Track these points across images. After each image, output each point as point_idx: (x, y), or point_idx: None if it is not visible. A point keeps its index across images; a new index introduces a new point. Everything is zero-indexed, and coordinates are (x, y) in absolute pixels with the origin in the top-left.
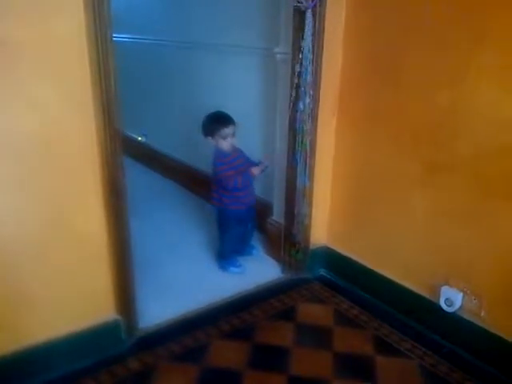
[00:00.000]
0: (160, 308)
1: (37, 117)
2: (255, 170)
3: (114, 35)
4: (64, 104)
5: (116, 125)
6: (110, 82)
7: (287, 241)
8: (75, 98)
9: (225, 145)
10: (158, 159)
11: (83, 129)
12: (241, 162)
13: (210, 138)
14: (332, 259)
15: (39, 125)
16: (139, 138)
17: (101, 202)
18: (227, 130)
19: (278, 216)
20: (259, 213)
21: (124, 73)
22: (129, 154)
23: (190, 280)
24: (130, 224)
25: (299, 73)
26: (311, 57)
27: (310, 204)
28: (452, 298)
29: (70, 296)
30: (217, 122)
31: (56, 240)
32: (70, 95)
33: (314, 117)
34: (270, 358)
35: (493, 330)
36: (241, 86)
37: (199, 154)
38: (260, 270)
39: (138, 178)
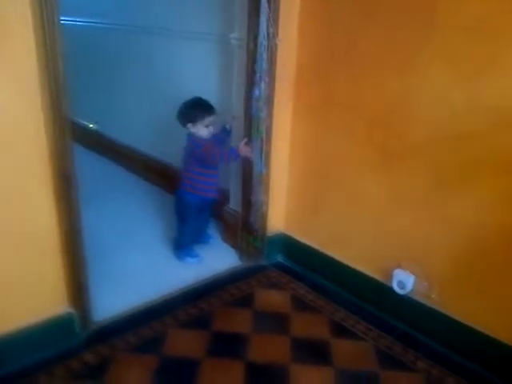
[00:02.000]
0: (115, 299)
1: None
2: (244, 150)
3: (64, 18)
4: (8, 90)
5: (64, 111)
6: (58, 67)
7: (244, 229)
8: (21, 84)
9: (205, 133)
10: (111, 147)
11: (30, 116)
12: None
13: (190, 125)
14: (289, 246)
15: None
16: (91, 126)
17: (50, 191)
18: (210, 119)
19: (234, 204)
20: (218, 199)
21: (76, 58)
22: (82, 143)
23: (145, 270)
24: (81, 214)
25: (254, 59)
26: (266, 43)
27: (267, 191)
28: (404, 281)
29: (20, 290)
30: (200, 109)
31: (4, 232)
32: (15, 80)
33: (269, 103)
34: (228, 345)
35: (443, 310)
36: (197, 72)
37: (155, 141)
38: (217, 258)
39: (91, 167)
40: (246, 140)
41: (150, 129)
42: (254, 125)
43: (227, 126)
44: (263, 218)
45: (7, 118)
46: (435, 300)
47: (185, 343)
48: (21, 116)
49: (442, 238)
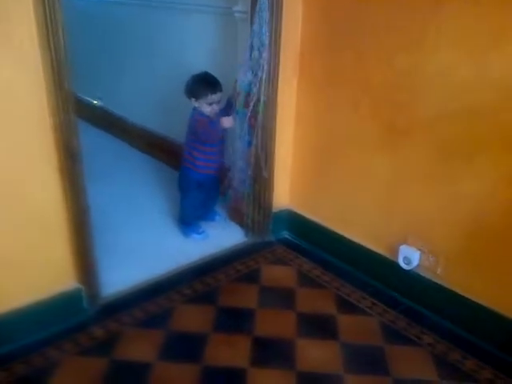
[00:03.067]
0: (122, 275)
1: None
2: (226, 121)
3: None
4: (10, 64)
5: (67, 85)
6: (60, 40)
7: (250, 205)
8: (23, 57)
9: (208, 110)
10: (115, 123)
11: (32, 90)
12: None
13: (193, 99)
14: (295, 222)
15: None
16: (94, 102)
17: (55, 167)
18: (214, 97)
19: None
20: (222, 178)
21: (77, 34)
22: (86, 119)
23: (152, 246)
24: (87, 189)
25: (258, 32)
26: (270, 16)
27: (272, 168)
28: (410, 257)
29: (28, 266)
30: (205, 86)
31: (8, 207)
32: (17, 54)
33: (273, 79)
34: (234, 320)
35: (448, 286)
36: (202, 46)
37: (160, 117)
38: (223, 234)
39: (96, 143)
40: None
41: (154, 105)
42: (255, 100)
43: (232, 100)
44: (269, 194)
45: (11, 94)
46: (441, 275)
47: (191, 318)
48: (24, 92)
49: (448, 214)
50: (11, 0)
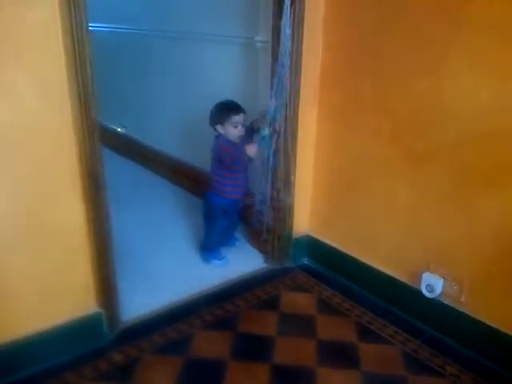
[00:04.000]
0: (143, 300)
1: (10, 106)
2: (250, 149)
3: (92, 25)
4: (39, 94)
5: (93, 115)
6: (87, 72)
7: (270, 231)
8: (51, 88)
9: (234, 133)
10: (139, 151)
11: (59, 119)
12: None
13: (219, 125)
14: (315, 248)
15: (13, 114)
16: (119, 129)
17: (80, 193)
18: (238, 118)
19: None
20: (245, 202)
21: (105, 63)
22: (110, 146)
23: (172, 271)
24: (110, 215)
25: (279, 61)
26: (291, 45)
27: (293, 194)
28: (433, 284)
29: (49, 290)
30: (228, 109)
31: (34, 233)
32: (46, 85)
33: (295, 104)
34: (253, 347)
35: (473, 314)
36: (223, 75)
37: (183, 145)
38: (243, 260)
39: (120, 170)
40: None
41: (178, 132)
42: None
43: (253, 125)
44: (289, 219)
45: (38, 121)
46: (465, 303)
47: (211, 345)
48: (51, 119)
49: (471, 240)
50: (40, 31)
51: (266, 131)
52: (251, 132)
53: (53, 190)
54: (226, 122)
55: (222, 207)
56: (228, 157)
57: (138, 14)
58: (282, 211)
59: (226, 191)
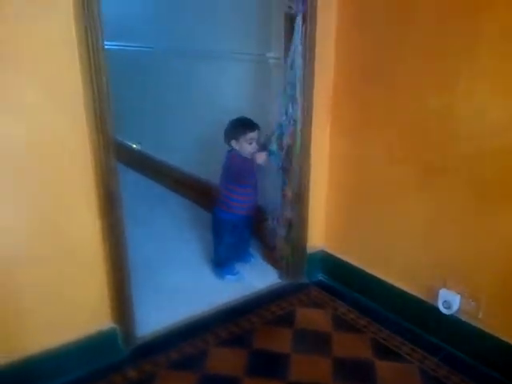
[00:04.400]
0: (157, 316)
1: (24, 121)
2: (259, 157)
3: (108, 43)
4: (55, 111)
5: (109, 131)
6: (103, 88)
7: (284, 247)
8: (66, 105)
9: (248, 149)
10: (154, 167)
11: (75, 136)
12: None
13: (233, 141)
14: (329, 264)
15: (29, 131)
16: (134, 146)
17: (95, 209)
18: (253, 135)
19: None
20: (255, 218)
21: (120, 81)
22: (125, 162)
23: (187, 287)
24: (125, 231)
25: (292, 77)
26: (303, 62)
27: (307, 209)
28: (450, 301)
29: (64, 305)
30: (243, 125)
31: (49, 248)
32: (62, 102)
33: (307, 120)
34: (268, 364)
35: (491, 331)
36: (236, 91)
37: (197, 160)
38: (257, 276)
39: (134, 185)
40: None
41: (192, 148)
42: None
43: (265, 141)
44: (303, 235)
45: (54, 138)
46: (482, 320)
47: (225, 361)
48: (67, 136)
49: (489, 256)
50: (58, 46)
51: (274, 146)
52: (263, 149)
53: (68, 205)
54: (241, 138)
55: (230, 223)
56: (243, 170)
57: (153, 32)
58: (297, 227)
59: (234, 207)
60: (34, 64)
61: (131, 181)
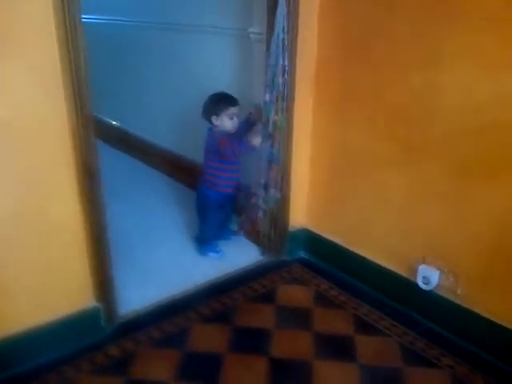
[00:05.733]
0: (139, 294)
1: (3, 102)
2: (255, 140)
3: (85, 16)
4: (33, 88)
5: (88, 108)
6: (81, 65)
7: (266, 224)
8: (44, 82)
9: (230, 124)
10: (134, 144)
11: (54, 113)
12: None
13: (214, 117)
14: (311, 241)
15: (6, 109)
16: (114, 122)
17: (75, 186)
18: (234, 109)
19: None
20: (237, 195)
21: (98, 55)
22: (105, 139)
23: (169, 265)
24: (106, 208)
25: (274, 53)
26: (285, 36)
27: (289, 186)
28: (429, 277)
29: (46, 284)
30: (224, 101)
31: (30, 228)
32: (39, 79)
33: (289, 98)
34: (251, 340)
35: (469, 306)
36: (218, 67)
37: (177, 137)
38: (239, 253)
39: (115, 163)
40: (254, 129)
41: (172, 125)
42: (272, 118)
43: (250, 118)
44: (285, 212)
45: (32, 114)
46: (461, 295)
47: (208, 338)
48: (45, 112)
49: (468, 233)
50: (33, 24)
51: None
52: (247, 125)
53: (47, 184)
54: (222, 114)
55: (215, 201)
56: (229, 148)
57: (131, 6)
58: (278, 204)
59: (219, 184)
60: (12, 43)
61: (111, 158)
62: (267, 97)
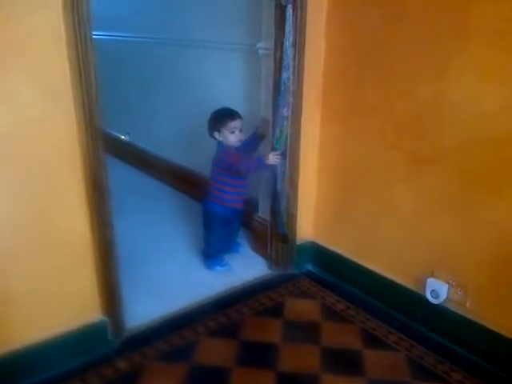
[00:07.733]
0: (147, 307)
1: (13, 113)
2: (272, 159)
3: (96, 33)
4: (43, 103)
5: (97, 123)
6: (91, 80)
7: (273, 237)
8: (54, 97)
9: (233, 139)
10: (143, 158)
11: (63, 128)
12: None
13: (216, 133)
14: (319, 254)
15: (17, 123)
16: (122, 137)
17: (83, 200)
18: (234, 124)
19: (263, 212)
20: (245, 209)
21: (108, 71)
22: (114, 154)
23: (176, 278)
24: (114, 222)
25: (282, 68)
26: (293, 52)
27: (296, 199)
28: (438, 290)
29: (53, 298)
30: (223, 116)
31: (38, 240)
32: (49, 94)
33: (297, 112)
34: (258, 354)
35: (478, 320)
36: (226, 82)
37: (185, 151)
38: (246, 266)
39: (123, 177)
40: (277, 153)
41: (180, 139)
42: (281, 133)
43: (257, 132)
44: (292, 226)
45: (42, 130)
46: (470, 309)
47: (215, 352)
48: (55, 127)
49: (477, 246)
50: (46, 40)
51: (276, 140)
52: (256, 139)
53: (56, 197)
54: (223, 129)
55: (221, 216)
56: (243, 165)
57: (142, 23)
58: (286, 217)
59: (226, 199)
60: (22, 55)
61: (120, 172)
62: (284, 111)
